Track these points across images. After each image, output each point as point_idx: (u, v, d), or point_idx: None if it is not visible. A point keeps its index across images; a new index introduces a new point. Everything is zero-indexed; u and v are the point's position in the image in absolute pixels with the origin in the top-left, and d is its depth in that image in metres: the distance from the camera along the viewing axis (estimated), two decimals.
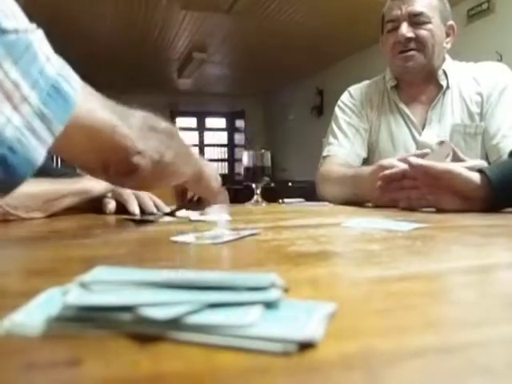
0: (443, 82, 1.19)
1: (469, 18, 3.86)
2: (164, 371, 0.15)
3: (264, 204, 1.22)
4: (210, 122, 8.82)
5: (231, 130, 8.86)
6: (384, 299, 0.24)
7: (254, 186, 1.24)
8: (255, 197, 1.24)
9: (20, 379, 0.15)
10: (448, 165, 0.83)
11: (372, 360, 0.16)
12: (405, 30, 1.14)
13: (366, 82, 1.35)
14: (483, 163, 0.93)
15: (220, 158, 8.96)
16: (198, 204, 0.77)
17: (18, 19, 0.35)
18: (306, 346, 0.17)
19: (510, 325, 0.20)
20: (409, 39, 1.14)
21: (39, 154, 0.36)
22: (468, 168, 0.81)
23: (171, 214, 0.78)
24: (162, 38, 5.10)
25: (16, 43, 0.34)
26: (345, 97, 1.34)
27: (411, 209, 0.85)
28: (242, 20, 4.46)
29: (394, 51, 1.18)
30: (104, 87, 0.57)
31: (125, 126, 0.46)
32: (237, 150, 8.71)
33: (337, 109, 1.34)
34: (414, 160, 0.83)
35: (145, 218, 0.73)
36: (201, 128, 8.73)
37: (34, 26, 0.37)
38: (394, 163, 0.94)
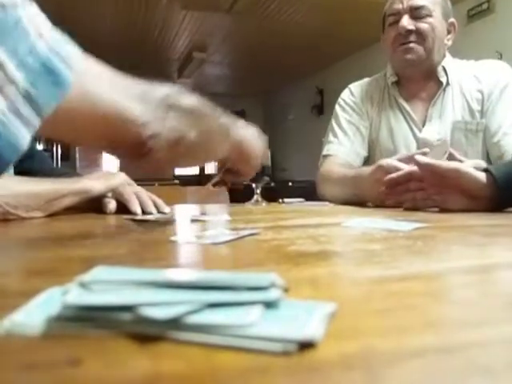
0: (443, 79, 1.19)
1: (469, 18, 3.86)
2: (164, 371, 0.15)
3: (264, 204, 1.22)
4: None
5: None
6: (384, 299, 0.24)
7: (253, 185, 1.24)
8: (255, 196, 1.24)
9: (20, 379, 0.15)
10: (455, 164, 0.83)
11: (372, 360, 0.16)
12: (406, 22, 1.14)
13: (366, 79, 1.35)
14: (481, 163, 0.92)
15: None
16: (235, 176, 0.73)
17: None
18: (306, 346, 0.17)
19: (511, 325, 0.20)
20: (409, 31, 1.14)
21: (24, 138, 0.33)
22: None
23: (216, 184, 0.77)
24: (162, 38, 5.10)
25: (2, 20, 0.32)
26: (345, 94, 1.34)
27: (416, 209, 0.85)
28: (242, 20, 4.46)
29: (394, 45, 1.18)
30: None
31: (136, 108, 0.43)
32: None
33: (337, 106, 1.33)
34: (421, 159, 0.83)
35: (145, 218, 0.73)
36: None
37: (25, 0, 0.34)
38: (394, 163, 0.94)
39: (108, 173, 0.89)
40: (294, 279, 0.27)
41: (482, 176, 0.78)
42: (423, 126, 1.20)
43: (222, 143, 0.58)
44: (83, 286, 0.21)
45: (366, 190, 1.01)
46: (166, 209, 0.84)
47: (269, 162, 1.26)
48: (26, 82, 0.32)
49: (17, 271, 0.35)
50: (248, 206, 1.19)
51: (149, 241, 0.52)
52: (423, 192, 0.85)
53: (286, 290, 0.23)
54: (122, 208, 0.82)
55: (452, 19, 1.21)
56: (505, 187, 0.75)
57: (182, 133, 0.48)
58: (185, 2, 3.97)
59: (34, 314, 0.20)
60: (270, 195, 1.46)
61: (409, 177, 0.87)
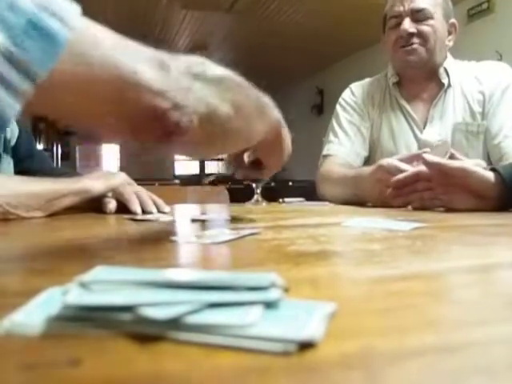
0: (444, 80, 1.19)
1: (469, 18, 3.86)
2: (164, 371, 0.15)
3: (264, 203, 1.22)
4: None
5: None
6: (384, 299, 0.24)
7: (254, 185, 1.24)
8: (255, 196, 1.24)
9: (20, 379, 0.15)
10: (463, 163, 0.83)
11: (372, 360, 0.16)
12: (407, 25, 1.14)
13: (367, 80, 1.35)
14: (481, 163, 0.92)
15: (220, 157, 8.94)
16: (257, 170, 0.64)
17: None
18: (306, 346, 0.17)
19: (511, 325, 0.20)
20: (411, 34, 1.14)
21: (10, 107, 0.29)
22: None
23: (233, 175, 0.67)
24: (163, 38, 5.10)
25: None
26: (346, 94, 1.34)
27: (424, 208, 0.85)
28: (242, 19, 4.46)
29: (395, 46, 1.18)
30: None
31: (148, 71, 0.36)
32: None
33: (338, 106, 1.33)
34: (429, 157, 0.83)
35: (145, 218, 0.73)
36: None
37: None
38: (394, 163, 0.94)
39: (108, 172, 0.89)
40: (294, 279, 0.27)
41: (490, 175, 0.78)
42: (424, 127, 1.20)
43: (260, 122, 0.50)
44: (83, 285, 0.21)
45: (367, 190, 1.01)
46: (166, 208, 0.84)
47: None
48: (6, 41, 0.28)
49: (17, 271, 0.35)
50: (248, 205, 1.19)
51: (149, 241, 0.52)
52: (431, 192, 0.85)
53: (286, 290, 0.23)
54: (122, 208, 0.82)
55: (453, 20, 1.21)
56: None
57: (213, 106, 0.41)
58: (185, 2, 3.98)
59: (33, 314, 0.20)
60: (270, 195, 1.46)
61: (416, 177, 0.87)
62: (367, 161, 1.28)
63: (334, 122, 1.32)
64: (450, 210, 0.82)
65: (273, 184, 3.86)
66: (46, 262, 0.37)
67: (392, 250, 0.40)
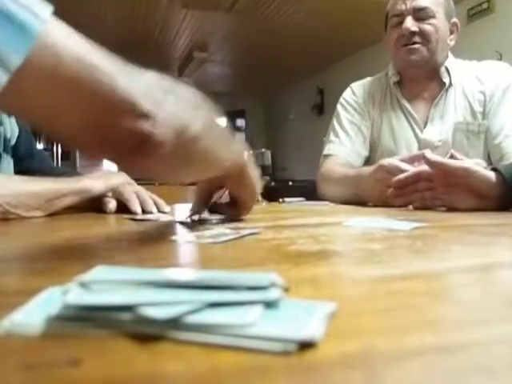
0: (446, 80, 1.19)
1: (469, 18, 3.86)
2: (164, 371, 0.15)
3: (264, 203, 1.22)
4: None
5: (232, 129, 8.83)
6: (385, 298, 0.24)
7: None
8: None
9: (19, 379, 0.15)
10: (464, 163, 0.83)
11: (372, 360, 0.16)
12: (409, 23, 1.14)
13: (368, 79, 1.35)
14: (481, 163, 0.92)
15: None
16: (229, 208, 0.64)
17: None
18: (306, 346, 0.17)
19: (511, 324, 0.20)
20: (413, 33, 1.14)
21: None
22: None
23: (191, 217, 0.65)
24: (163, 37, 5.10)
25: None
26: (347, 94, 1.34)
27: (425, 208, 0.85)
28: (242, 19, 4.46)
29: (397, 45, 1.18)
30: None
31: (125, 78, 0.33)
32: None
33: (339, 106, 1.33)
34: (431, 156, 0.83)
35: (145, 218, 0.73)
36: None
37: None
38: (395, 163, 0.94)
39: (108, 172, 0.89)
40: (294, 279, 0.27)
41: (492, 175, 0.78)
42: (425, 126, 1.20)
43: (225, 150, 0.47)
44: (83, 285, 0.21)
45: (367, 190, 1.01)
46: (167, 208, 0.84)
47: (269, 162, 1.26)
48: None
49: (17, 270, 0.35)
50: None
51: (149, 240, 0.52)
52: (432, 192, 0.85)
53: (286, 290, 0.23)
54: (122, 207, 0.82)
55: (454, 19, 1.21)
56: None
57: (186, 122, 0.38)
58: (185, 1, 3.97)
59: (33, 314, 0.20)
60: (271, 195, 1.46)
61: (417, 177, 0.87)
62: (368, 160, 1.28)
63: (334, 122, 1.32)
64: (450, 209, 0.82)
65: (273, 184, 3.86)
66: (46, 261, 0.37)
67: (392, 249, 0.40)
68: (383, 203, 0.94)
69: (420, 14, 1.14)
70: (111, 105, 0.33)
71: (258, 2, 4.04)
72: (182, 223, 0.64)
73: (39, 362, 0.16)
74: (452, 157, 0.95)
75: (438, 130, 1.18)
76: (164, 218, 0.74)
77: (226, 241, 0.45)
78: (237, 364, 0.16)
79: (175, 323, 0.18)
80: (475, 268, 0.32)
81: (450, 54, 1.23)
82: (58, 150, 7.10)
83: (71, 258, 0.38)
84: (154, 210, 0.82)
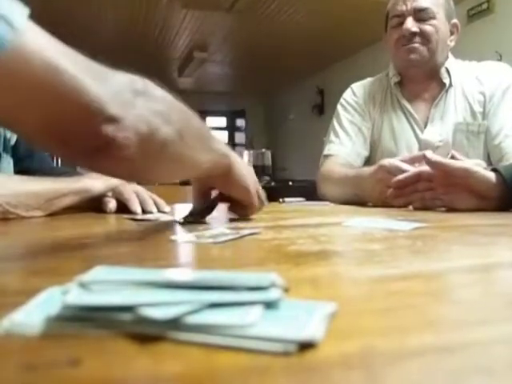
0: (446, 80, 1.19)
1: (469, 18, 3.86)
2: (164, 371, 0.15)
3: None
4: (211, 120, 8.81)
5: (232, 129, 8.86)
6: (385, 299, 0.24)
7: None
8: None
9: (19, 379, 0.15)
10: (464, 163, 0.83)
11: (372, 360, 0.16)
12: (410, 24, 1.14)
13: (369, 79, 1.35)
14: (481, 163, 0.93)
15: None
16: (234, 209, 0.64)
17: None
18: (306, 346, 0.17)
19: (511, 324, 0.20)
20: (413, 34, 1.14)
21: None
22: None
23: (186, 219, 0.64)
24: (163, 37, 5.10)
25: None
26: (347, 94, 1.34)
27: (425, 209, 0.85)
28: (242, 19, 4.46)
29: (397, 45, 1.18)
30: None
31: (93, 82, 0.33)
32: (237, 149, 8.71)
33: (339, 106, 1.33)
34: (432, 156, 0.83)
35: (145, 218, 0.73)
36: None
37: None
38: (396, 163, 0.93)
39: None
40: (294, 279, 0.27)
41: (492, 176, 0.78)
42: (425, 126, 1.20)
43: (204, 152, 0.47)
44: (83, 286, 0.21)
45: (367, 190, 1.01)
46: (167, 208, 0.84)
47: (269, 162, 1.26)
48: None
49: (16, 270, 0.35)
50: None
51: (149, 240, 0.52)
52: (432, 192, 0.85)
53: (286, 290, 0.23)
54: (122, 207, 0.82)
55: (455, 20, 1.21)
56: None
57: (155, 126, 0.37)
58: (185, 1, 3.97)
59: (33, 314, 0.20)
60: (271, 195, 1.46)
61: (417, 178, 0.87)
62: (367, 161, 1.28)
63: (334, 122, 1.32)
64: (450, 209, 0.82)
65: (273, 184, 3.86)
66: (46, 261, 0.37)
67: (392, 249, 0.40)
68: (383, 203, 0.94)
69: (420, 15, 1.14)
70: (77, 108, 0.33)
71: (258, 1, 4.04)
72: (178, 223, 0.64)
73: (39, 362, 0.16)
74: (453, 157, 0.95)
75: (438, 131, 1.18)
76: (164, 217, 0.74)
77: (225, 241, 0.45)
78: (237, 364, 0.16)
79: (175, 323, 0.18)
80: (475, 268, 0.32)
81: (450, 55, 1.23)
82: None
83: (71, 258, 0.38)
84: (154, 209, 0.82)
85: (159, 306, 0.19)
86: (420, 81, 1.22)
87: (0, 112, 0.32)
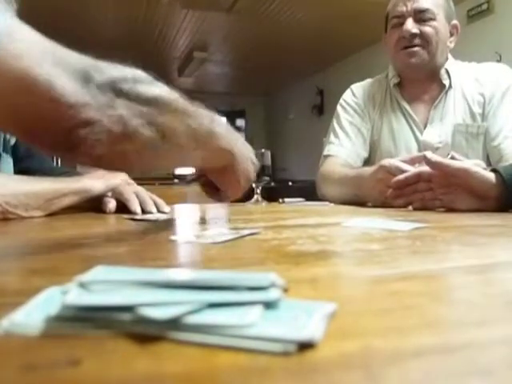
0: (446, 82, 1.19)
1: (468, 18, 3.86)
2: (164, 371, 0.15)
3: (264, 203, 1.22)
4: None
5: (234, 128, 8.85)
6: (384, 299, 0.24)
7: (254, 185, 1.24)
8: (255, 196, 1.24)
9: (19, 379, 0.15)
10: (464, 163, 0.83)
11: (372, 360, 0.16)
12: (410, 25, 1.14)
13: (368, 80, 1.35)
14: (481, 163, 0.93)
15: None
16: (216, 193, 0.63)
17: None
18: (305, 346, 0.17)
19: (511, 325, 0.20)
20: (414, 35, 1.14)
21: None
22: None
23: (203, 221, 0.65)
24: (163, 37, 5.10)
25: None
26: (347, 95, 1.34)
27: (425, 209, 0.85)
28: (242, 19, 4.46)
29: (397, 47, 1.18)
30: None
31: (71, 85, 0.34)
32: None
33: (339, 107, 1.33)
34: (432, 156, 0.83)
35: (145, 218, 0.73)
36: None
37: None
38: (396, 164, 0.94)
39: (108, 172, 0.89)
40: (293, 279, 0.27)
41: (491, 176, 0.78)
42: (425, 128, 1.20)
43: (201, 150, 0.48)
44: (83, 286, 0.21)
45: (367, 190, 1.01)
46: (166, 208, 0.84)
47: (269, 162, 1.26)
48: None
49: (16, 270, 0.35)
50: (248, 205, 1.20)
51: (149, 240, 0.52)
52: (432, 192, 0.85)
53: (285, 290, 0.23)
54: (122, 207, 0.82)
55: (455, 21, 1.21)
56: None
57: (133, 127, 0.38)
58: (185, 2, 3.97)
59: (33, 314, 0.20)
60: (270, 195, 1.46)
61: (417, 178, 0.87)
62: (366, 162, 1.28)
63: (334, 123, 1.32)
64: (449, 210, 0.82)
65: (273, 184, 3.86)
66: (46, 261, 0.37)
67: (392, 250, 0.40)
68: (383, 204, 0.94)
69: (421, 16, 1.14)
70: (52, 110, 0.33)
71: (258, 1, 4.03)
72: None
73: (39, 362, 0.16)
74: (452, 158, 0.95)
75: (438, 132, 1.18)
76: (164, 217, 0.74)
77: (225, 241, 0.45)
78: (236, 364, 0.16)
79: (175, 323, 0.18)
80: (474, 268, 0.32)
81: (449, 56, 1.23)
82: None
83: (71, 258, 0.38)
84: (154, 210, 0.82)
85: (159, 306, 0.19)
86: (420, 82, 1.22)
87: None
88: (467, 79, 1.19)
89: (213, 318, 0.18)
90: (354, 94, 1.32)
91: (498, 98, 1.15)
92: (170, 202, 0.91)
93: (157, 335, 0.18)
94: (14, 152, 1.01)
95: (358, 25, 4.44)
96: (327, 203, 1.12)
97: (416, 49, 1.15)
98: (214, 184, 0.61)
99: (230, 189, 0.60)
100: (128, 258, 0.39)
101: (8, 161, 0.98)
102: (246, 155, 0.57)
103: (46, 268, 0.34)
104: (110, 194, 0.85)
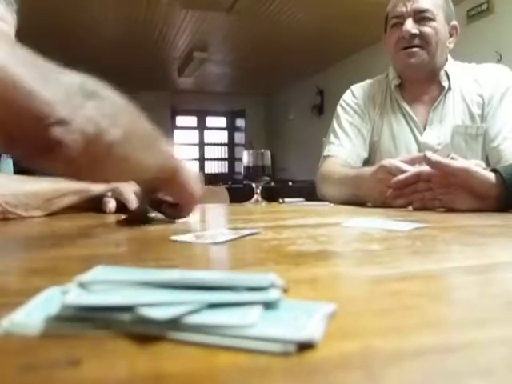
0: (445, 84, 1.19)
1: (468, 18, 3.86)
2: (163, 371, 0.15)
3: (264, 203, 1.22)
4: (211, 120, 8.83)
5: (232, 129, 8.87)
6: (384, 299, 0.24)
7: (253, 185, 1.24)
8: (255, 196, 1.24)
9: (19, 379, 0.15)
10: (464, 163, 0.83)
11: (372, 360, 0.16)
12: (409, 26, 1.14)
13: (368, 81, 1.35)
14: (481, 163, 0.93)
15: (220, 157, 8.98)
16: (171, 209, 0.65)
17: None
18: (305, 347, 0.17)
19: (511, 325, 0.20)
20: (413, 35, 1.14)
21: None
22: None
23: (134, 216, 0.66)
24: (163, 37, 5.10)
25: None
26: (347, 96, 1.34)
27: (425, 209, 0.85)
28: (242, 19, 4.46)
29: (397, 47, 1.18)
30: None
31: (43, 84, 0.34)
32: (237, 149, 8.73)
33: (339, 108, 1.33)
34: (432, 156, 0.83)
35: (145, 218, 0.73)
36: (201, 127, 8.73)
37: None
38: (396, 164, 0.94)
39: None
40: (293, 279, 0.27)
41: (491, 176, 0.78)
42: (424, 129, 1.21)
43: (151, 155, 0.48)
44: (83, 286, 0.21)
45: (367, 190, 1.01)
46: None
47: (269, 162, 1.26)
48: None
49: (16, 270, 0.35)
50: (248, 205, 1.20)
51: (149, 240, 0.52)
52: (431, 192, 0.85)
53: (285, 290, 0.23)
54: (122, 207, 0.82)
55: (454, 22, 1.21)
56: None
57: (102, 128, 0.39)
58: (185, 2, 3.97)
59: (33, 314, 0.20)
60: (270, 195, 1.46)
61: (417, 178, 0.87)
62: (366, 162, 1.28)
63: (334, 123, 1.32)
64: (449, 210, 0.82)
65: (273, 184, 3.86)
66: (46, 261, 0.37)
67: (392, 250, 0.40)
68: (383, 204, 0.94)
69: (420, 16, 1.14)
70: (27, 111, 0.33)
71: (258, 1, 4.04)
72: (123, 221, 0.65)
73: (39, 362, 0.16)
74: (452, 159, 0.95)
75: (437, 134, 1.18)
76: (163, 218, 0.74)
77: (225, 241, 0.45)
78: (236, 365, 0.16)
79: (175, 324, 0.18)
80: (474, 269, 0.32)
81: (449, 57, 1.23)
82: None
83: (71, 258, 0.38)
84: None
85: (159, 306, 0.19)
86: (420, 83, 1.22)
87: None
88: (466, 80, 1.19)
89: (213, 318, 0.18)
90: (354, 95, 1.32)
91: (497, 99, 1.15)
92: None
93: (157, 335, 0.18)
94: None
95: (358, 25, 4.45)
96: (327, 203, 1.12)
97: (415, 49, 1.15)
98: (168, 202, 0.63)
99: (184, 195, 0.60)
100: (128, 258, 0.39)
101: (8, 161, 0.98)
102: (184, 165, 0.58)
103: (46, 268, 0.34)
104: (109, 194, 0.85)
